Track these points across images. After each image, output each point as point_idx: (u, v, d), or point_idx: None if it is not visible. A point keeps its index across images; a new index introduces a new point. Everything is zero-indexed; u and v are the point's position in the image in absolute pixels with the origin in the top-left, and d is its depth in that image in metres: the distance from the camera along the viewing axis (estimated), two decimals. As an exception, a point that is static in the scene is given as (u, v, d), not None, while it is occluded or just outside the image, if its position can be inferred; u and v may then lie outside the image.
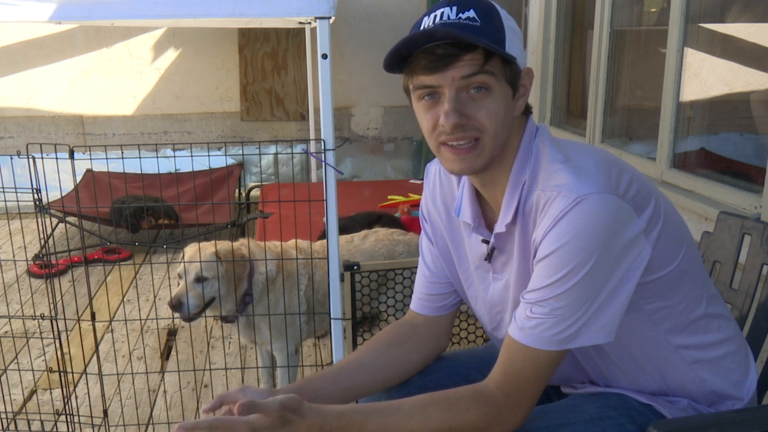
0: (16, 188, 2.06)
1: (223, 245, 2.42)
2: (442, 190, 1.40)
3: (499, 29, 1.14)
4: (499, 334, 1.36)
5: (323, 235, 2.53)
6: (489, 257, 1.29)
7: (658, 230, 1.16)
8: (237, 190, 5.42)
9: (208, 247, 2.40)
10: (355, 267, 2.24)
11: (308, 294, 2.56)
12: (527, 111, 1.25)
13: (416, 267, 2.46)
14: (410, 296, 2.58)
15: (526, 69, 1.20)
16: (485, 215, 1.30)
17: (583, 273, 1.09)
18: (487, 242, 1.28)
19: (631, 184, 1.14)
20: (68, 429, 2.37)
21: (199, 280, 2.35)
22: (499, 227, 1.23)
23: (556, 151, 1.18)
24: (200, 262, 2.32)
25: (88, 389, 2.91)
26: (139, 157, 2.70)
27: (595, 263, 1.09)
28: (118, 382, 2.92)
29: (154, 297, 3.91)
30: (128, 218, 4.50)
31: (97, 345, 2.42)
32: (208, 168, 5.34)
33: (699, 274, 1.27)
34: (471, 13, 1.12)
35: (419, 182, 5.48)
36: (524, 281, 1.20)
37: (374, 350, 1.42)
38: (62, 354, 2.31)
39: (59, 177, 2.65)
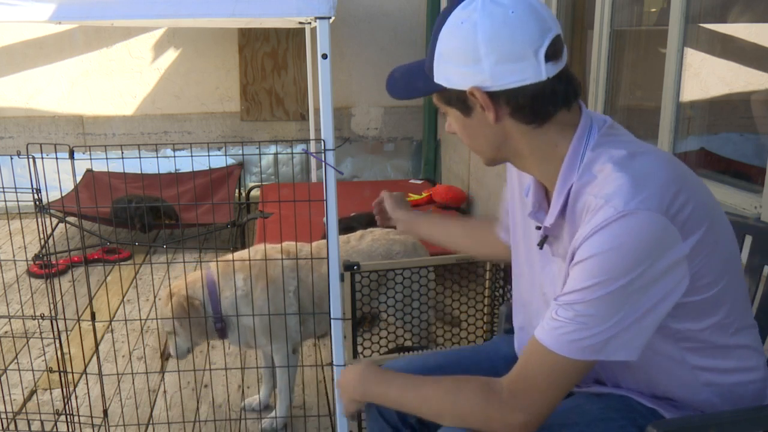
0: (16, 188, 2.06)
1: (175, 299, 2.42)
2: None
3: (430, 59, 1.22)
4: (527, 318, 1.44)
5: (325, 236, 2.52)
6: (541, 244, 1.29)
7: (701, 258, 1.12)
8: (237, 190, 5.42)
9: (164, 303, 2.45)
10: (355, 267, 2.24)
11: (298, 295, 2.54)
12: (576, 109, 1.21)
13: (416, 267, 2.47)
14: (410, 296, 2.59)
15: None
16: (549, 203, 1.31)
17: (616, 286, 1.07)
18: (539, 228, 1.29)
19: (686, 205, 1.10)
20: (68, 429, 2.37)
21: (171, 333, 2.46)
22: (548, 221, 1.24)
23: (616, 155, 1.14)
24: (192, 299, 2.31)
25: (88, 389, 2.91)
26: (139, 157, 2.70)
27: (631, 280, 1.07)
28: (118, 382, 2.92)
29: (154, 297, 3.90)
30: (143, 216, 4.47)
31: (97, 345, 2.42)
32: (208, 168, 5.34)
33: (737, 305, 1.23)
34: (430, 48, 1.21)
35: (419, 182, 5.48)
36: (558, 279, 1.21)
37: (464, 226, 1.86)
38: (62, 354, 2.31)
39: (59, 177, 2.65)
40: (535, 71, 1.13)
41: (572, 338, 1.11)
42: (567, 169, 1.19)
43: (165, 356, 2.52)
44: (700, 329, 1.20)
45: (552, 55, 1.13)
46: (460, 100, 1.20)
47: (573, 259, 1.13)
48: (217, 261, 2.52)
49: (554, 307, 1.15)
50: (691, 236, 1.10)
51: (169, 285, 2.49)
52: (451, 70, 1.18)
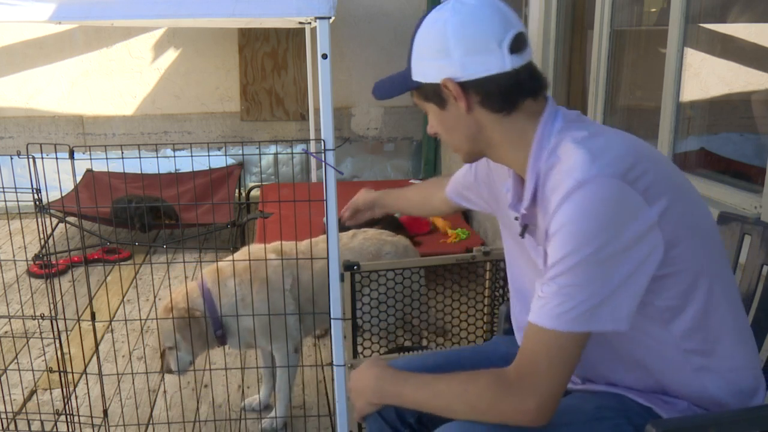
0: (16, 188, 2.06)
1: (175, 312, 2.41)
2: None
3: (408, 60, 1.32)
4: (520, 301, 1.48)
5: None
6: (523, 233, 1.34)
7: (672, 226, 1.15)
8: (237, 190, 5.42)
9: (164, 314, 2.44)
10: (355, 267, 2.24)
11: (294, 293, 2.54)
12: (542, 100, 1.28)
13: (414, 267, 2.46)
14: (399, 303, 2.57)
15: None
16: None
17: (589, 251, 1.11)
18: (517, 219, 1.35)
19: (645, 174, 1.15)
20: (68, 429, 2.37)
21: (172, 348, 2.45)
22: (523, 206, 1.30)
23: (577, 136, 1.21)
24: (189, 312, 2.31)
25: (88, 389, 2.91)
26: (139, 157, 2.71)
27: (602, 244, 1.11)
28: (118, 382, 2.92)
29: (154, 297, 3.91)
30: (143, 216, 4.47)
31: (97, 345, 2.42)
32: (208, 168, 5.34)
33: (722, 282, 1.26)
34: (408, 50, 1.32)
35: (419, 182, 5.48)
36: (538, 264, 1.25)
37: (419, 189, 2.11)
38: (62, 354, 2.31)
39: (59, 177, 2.65)
40: (499, 62, 1.23)
41: (559, 311, 1.14)
42: (535, 154, 1.25)
43: (164, 371, 2.52)
44: (686, 305, 1.21)
45: (515, 48, 1.23)
46: (435, 93, 1.29)
47: (547, 237, 1.18)
48: (217, 262, 2.52)
49: (539, 287, 1.19)
50: (657, 203, 1.14)
51: (170, 295, 2.48)
52: (426, 65, 1.28)
